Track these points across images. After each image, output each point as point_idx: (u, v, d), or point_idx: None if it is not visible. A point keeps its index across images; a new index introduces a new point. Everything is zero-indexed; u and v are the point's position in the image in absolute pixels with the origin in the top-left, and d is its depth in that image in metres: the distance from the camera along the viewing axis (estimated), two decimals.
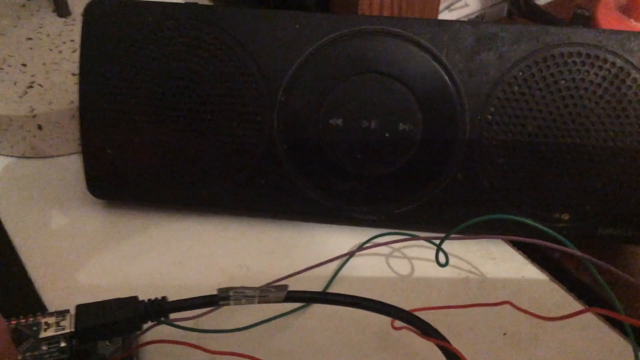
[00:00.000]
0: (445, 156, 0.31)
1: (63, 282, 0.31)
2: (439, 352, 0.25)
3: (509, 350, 0.29)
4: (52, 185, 0.37)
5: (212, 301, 0.25)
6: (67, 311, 0.25)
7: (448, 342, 0.25)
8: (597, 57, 0.29)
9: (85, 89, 0.32)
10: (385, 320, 0.27)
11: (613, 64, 0.29)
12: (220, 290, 0.24)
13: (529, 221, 0.27)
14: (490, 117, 0.30)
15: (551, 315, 0.25)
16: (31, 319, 0.25)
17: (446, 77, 0.30)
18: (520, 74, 0.30)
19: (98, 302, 0.25)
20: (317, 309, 0.30)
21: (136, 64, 0.31)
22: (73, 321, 0.25)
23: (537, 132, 0.30)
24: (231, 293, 0.24)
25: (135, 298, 0.25)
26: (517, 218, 0.27)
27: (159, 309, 0.25)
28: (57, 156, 0.38)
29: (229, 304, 0.25)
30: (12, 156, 0.38)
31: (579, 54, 0.29)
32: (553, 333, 0.29)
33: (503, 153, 0.31)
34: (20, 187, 0.36)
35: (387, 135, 0.31)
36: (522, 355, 0.28)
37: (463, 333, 0.29)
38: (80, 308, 0.25)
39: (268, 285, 0.27)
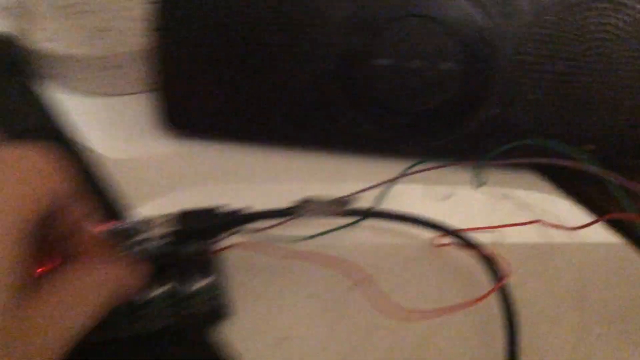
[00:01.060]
0: (483, 93, 0.35)
1: (146, 204, 0.36)
2: (476, 262, 0.30)
3: (536, 260, 0.33)
4: (125, 120, 0.41)
5: (287, 212, 0.30)
6: (168, 215, 0.30)
7: (487, 251, 0.29)
8: (623, 3, 0.33)
9: (166, 32, 0.36)
10: (428, 235, 0.32)
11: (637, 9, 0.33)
12: (299, 200, 0.28)
13: (556, 144, 0.31)
14: (523, 57, 0.34)
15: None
16: (140, 220, 0.29)
17: (485, 20, 0.34)
18: (552, 17, 0.34)
19: (195, 209, 0.30)
20: (368, 225, 0.34)
21: (208, 8, 0.35)
22: (174, 223, 0.29)
23: (566, 71, 0.34)
24: (306, 205, 0.28)
25: (223, 206, 0.30)
26: (546, 141, 0.31)
27: (244, 216, 0.30)
28: (128, 95, 0.43)
29: (300, 216, 0.30)
30: (88, 94, 0.43)
31: (607, 0, 0.33)
32: (576, 246, 0.34)
33: (535, 90, 0.35)
34: (97, 122, 0.41)
35: (430, 73, 0.35)
36: (548, 264, 0.33)
37: (496, 249, 0.34)
38: (181, 212, 0.29)
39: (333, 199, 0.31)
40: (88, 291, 0.24)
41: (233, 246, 0.32)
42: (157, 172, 0.38)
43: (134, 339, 0.28)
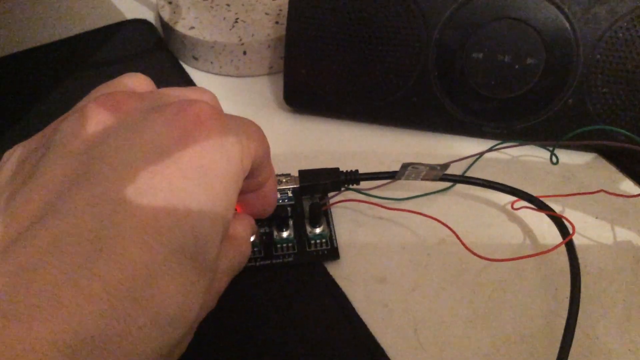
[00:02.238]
0: (561, 85, 0.40)
1: None
2: (546, 224, 0.36)
3: (598, 225, 0.39)
4: (250, 98, 0.48)
5: (391, 175, 0.36)
6: (289, 175, 0.37)
7: (559, 214, 0.35)
8: None
9: (292, 24, 0.43)
10: (506, 201, 0.38)
11: None
12: (404, 164, 0.34)
13: (622, 130, 0.37)
14: (598, 56, 0.39)
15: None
16: None
17: (567, 24, 0.39)
18: (625, 24, 0.39)
19: (313, 169, 0.36)
20: (455, 191, 0.40)
21: (329, 7, 0.42)
22: (295, 181, 0.36)
23: (634, 69, 0.39)
24: (407, 169, 0.35)
25: (337, 168, 0.36)
26: (614, 128, 0.37)
27: (354, 177, 0.36)
28: (253, 76, 0.50)
29: (401, 179, 0.36)
30: (220, 74, 0.50)
31: None
32: (631, 214, 0.39)
33: (606, 85, 0.40)
34: (227, 99, 0.48)
35: (516, 67, 0.40)
36: (608, 229, 0.38)
37: (564, 213, 0.39)
38: (302, 172, 0.36)
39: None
40: (250, 247, 0.30)
41: (342, 202, 0.38)
42: (277, 141, 0.44)
43: (269, 267, 0.35)
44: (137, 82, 0.27)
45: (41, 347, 0.17)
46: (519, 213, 0.39)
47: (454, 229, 0.36)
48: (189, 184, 0.22)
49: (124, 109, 0.23)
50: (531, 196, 0.36)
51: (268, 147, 0.28)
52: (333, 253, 0.36)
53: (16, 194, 0.21)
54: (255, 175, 0.27)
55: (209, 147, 0.23)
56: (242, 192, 0.28)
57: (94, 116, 0.23)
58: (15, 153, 0.24)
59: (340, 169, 0.37)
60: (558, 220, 0.35)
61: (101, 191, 0.20)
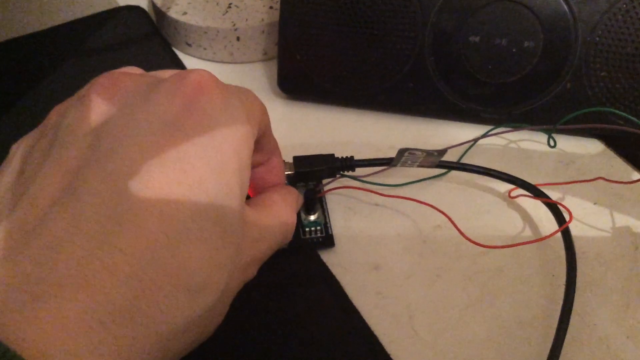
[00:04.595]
0: (559, 69, 0.40)
1: None
2: (543, 212, 0.35)
3: (596, 212, 0.38)
4: (244, 84, 0.46)
5: (388, 162, 0.35)
6: (284, 161, 0.36)
7: (555, 200, 0.35)
8: None
9: (285, 8, 0.42)
10: (503, 187, 0.37)
11: None
12: (400, 149, 0.33)
13: (621, 113, 0.36)
14: (597, 39, 0.39)
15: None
16: None
17: (565, 6, 0.38)
18: (624, 6, 0.38)
19: (308, 155, 0.36)
20: (451, 177, 0.40)
21: None
22: (289, 167, 0.36)
23: (633, 52, 0.38)
24: (404, 154, 0.34)
25: (333, 154, 0.36)
26: (613, 110, 0.36)
27: (350, 163, 0.36)
28: (247, 62, 0.49)
29: (397, 165, 0.35)
30: (214, 61, 0.49)
31: None
32: (630, 200, 0.38)
33: (605, 68, 0.39)
34: None
35: (514, 50, 0.40)
36: (606, 215, 0.38)
37: (562, 201, 0.39)
38: (297, 158, 0.35)
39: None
40: (293, 214, 0.30)
41: (337, 189, 0.38)
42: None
43: None
44: (131, 69, 0.27)
45: (71, 324, 0.17)
46: (516, 199, 0.38)
47: (450, 216, 0.35)
48: (197, 150, 0.22)
49: (124, 87, 0.24)
50: (528, 183, 0.36)
51: (268, 116, 0.28)
52: (328, 241, 0.35)
53: (32, 181, 0.21)
54: (261, 146, 0.28)
55: (213, 111, 0.23)
56: (252, 167, 0.28)
57: (96, 98, 0.23)
58: (22, 145, 0.25)
59: (336, 156, 0.36)
60: (554, 208, 0.34)
61: (113, 168, 0.20)
